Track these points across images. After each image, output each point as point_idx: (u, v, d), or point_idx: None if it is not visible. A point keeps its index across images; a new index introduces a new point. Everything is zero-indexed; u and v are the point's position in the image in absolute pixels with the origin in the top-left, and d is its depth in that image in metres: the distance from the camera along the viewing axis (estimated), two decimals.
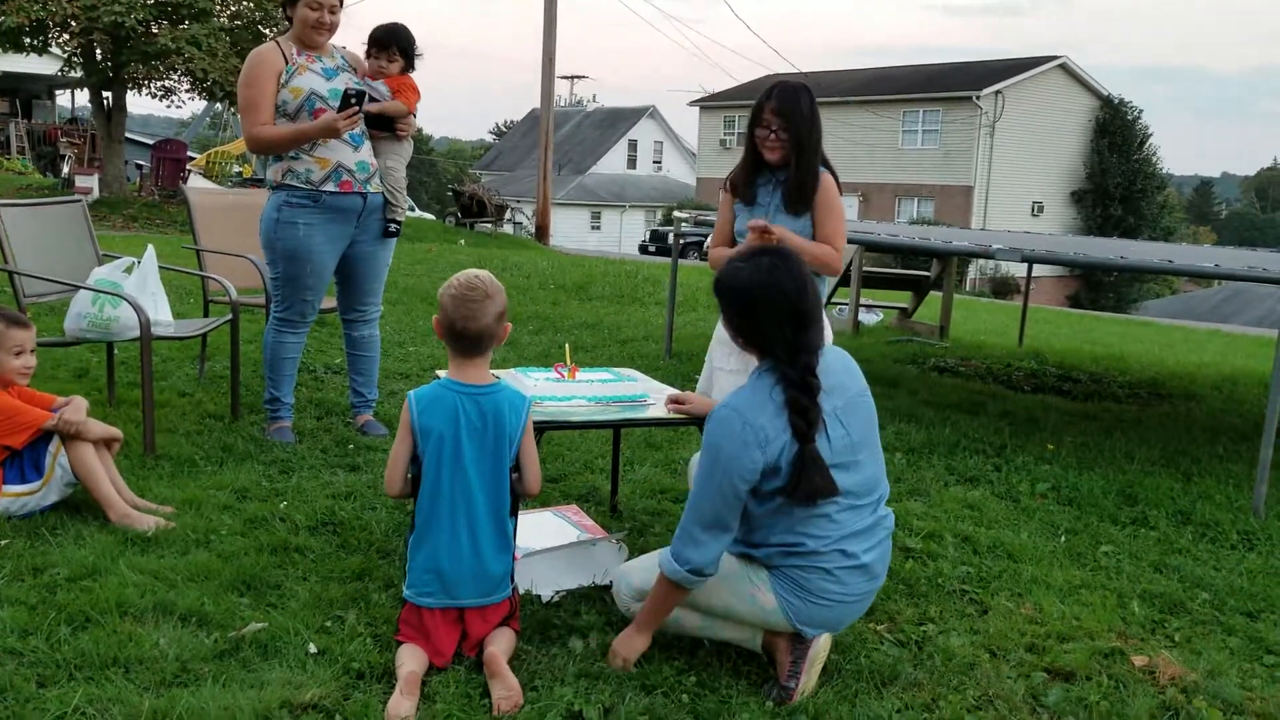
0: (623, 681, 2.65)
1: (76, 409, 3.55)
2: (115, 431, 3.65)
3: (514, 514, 2.87)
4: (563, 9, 21.85)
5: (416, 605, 2.74)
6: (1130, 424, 6.40)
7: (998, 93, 35.22)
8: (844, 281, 10.11)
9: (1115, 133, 37.77)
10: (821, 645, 2.68)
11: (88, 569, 3.07)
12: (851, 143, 36.97)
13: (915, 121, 37.07)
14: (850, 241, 4.83)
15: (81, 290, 4.37)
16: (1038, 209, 37.07)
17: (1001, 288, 30.84)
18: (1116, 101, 38.29)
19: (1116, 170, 37.26)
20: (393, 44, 4.59)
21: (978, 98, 34.90)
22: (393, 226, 4.66)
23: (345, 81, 4.42)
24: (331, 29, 4.42)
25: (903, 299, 11.19)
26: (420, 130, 5.17)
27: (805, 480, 2.56)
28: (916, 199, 36.80)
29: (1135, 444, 5.72)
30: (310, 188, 4.37)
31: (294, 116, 4.35)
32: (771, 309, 2.64)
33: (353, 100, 4.26)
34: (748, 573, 2.71)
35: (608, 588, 3.12)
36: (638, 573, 2.84)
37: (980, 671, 2.87)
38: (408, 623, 2.75)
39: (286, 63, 4.36)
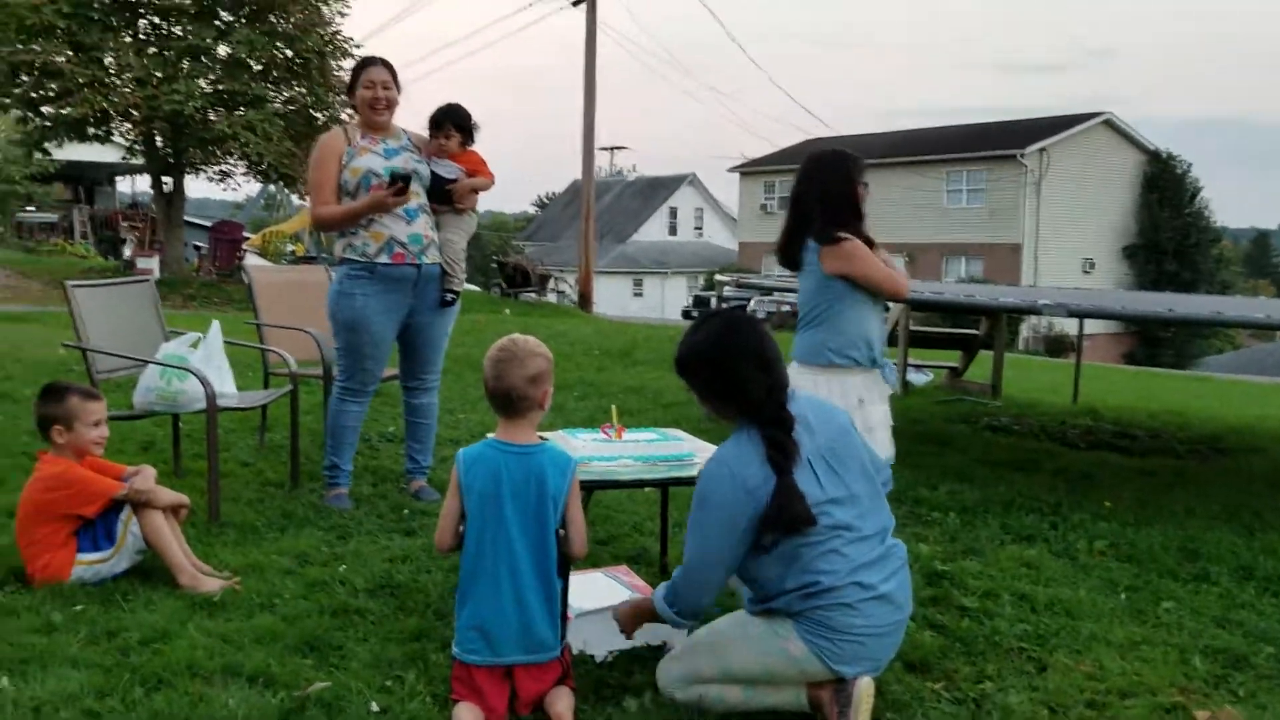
0: None
1: (146, 478, 3.67)
2: (183, 499, 3.76)
3: (564, 574, 2.92)
4: (601, 82, 22.28)
5: (465, 663, 2.80)
6: (1190, 479, 6.32)
7: (1042, 150, 35.19)
8: (891, 341, 10.11)
9: (1165, 187, 37.51)
10: (864, 688, 2.68)
11: (159, 632, 3.16)
12: (895, 203, 37.06)
13: (960, 180, 37.11)
14: (896, 301, 4.93)
15: (150, 365, 4.52)
16: (1089, 266, 36.80)
17: (1055, 346, 30.55)
18: (1164, 155, 38.08)
19: (1168, 225, 36.94)
20: (447, 122, 4.79)
21: (1022, 155, 34.90)
22: (449, 296, 4.79)
23: (405, 160, 4.63)
24: (389, 105, 4.65)
25: (952, 358, 11.15)
26: None
27: (785, 508, 2.64)
28: (964, 258, 36.69)
29: (1196, 499, 5.65)
30: (366, 260, 4.58)
31: (354, 194, 4.58)
32: (741, 360, 2.80)
33: (399, 181, 4.46)
34: (773, 628, 2.75)
35: (660, 648, 3.15)
36: (674, 661, 2.92)
37: None
38: (460, 680, 2.80)
39: (349, 145, 4.60)
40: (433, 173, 4.74)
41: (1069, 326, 28.62)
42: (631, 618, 3.09)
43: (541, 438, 3.01)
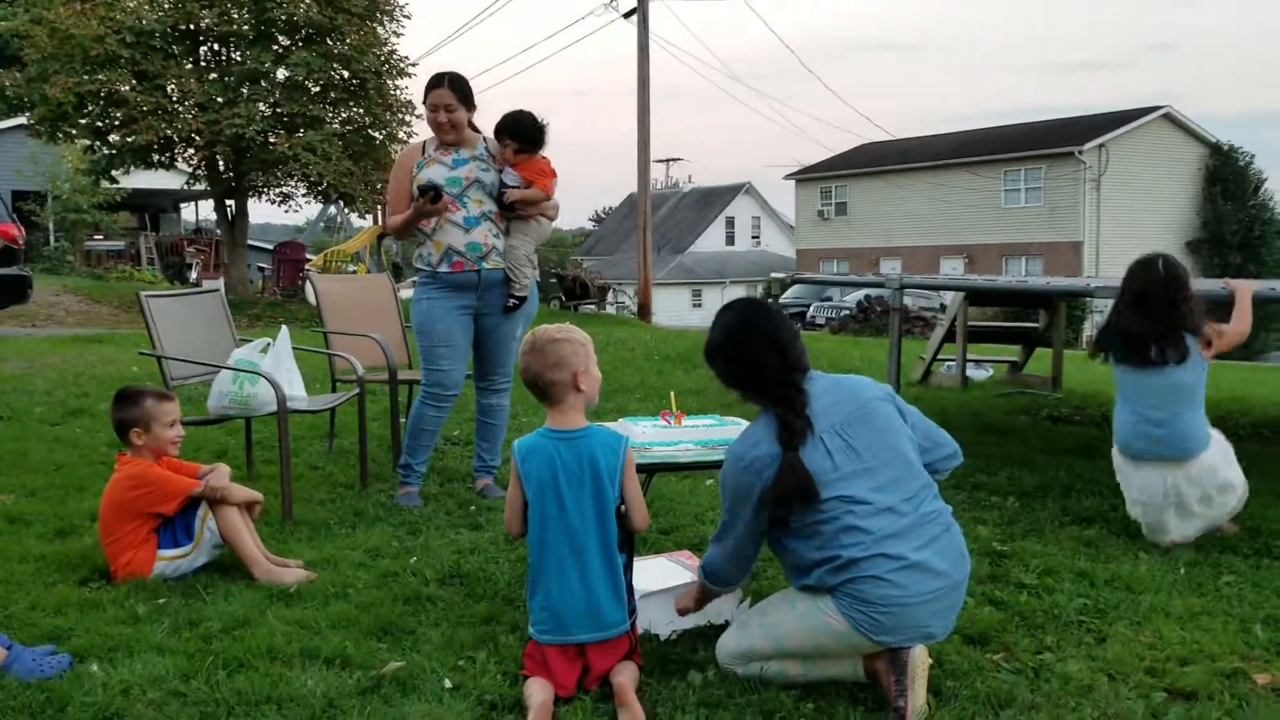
0: (742, 709, 2.75)
1: (220, 475, 3.83)
2: (256, 495, 3.91)
3: (625, 549, 3.01)
4: (654, 94, 22.42)
5: (538, 642, 2.90)
6: (1252, 461, 6.19)
7: (1101, 146, 34.70)
8: (949, 337, 10.08)
9: (1228, 180, 36.79)
10: (918, 658, 2.73)
11: (238, 620, 3.30)
12: (953, 205, 36.73)
13: (1017, 180, 36.68)
14: (942, 288, 5.08)
15: (223, 370, 4.70)
16: None
17: None
18: (1226, 148, 37.38)
19: (1232, 218, 36.23)
20: (502, 133, 4.89)
21: (1080, 152, 34.43)
22: (511, 301, 4.93)
23: (470, 170, 4.80)
24: (453, 125, 4.79)
25: (1012, 353, 11.08)
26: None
27: (784, 480, 2.76)
28: (1025, 258, 36.25)
29: (1258, 480, 5.55)
30: (431, 269, 4.81)
31: None
32: (757, 342, 2.93)
33: (429, 191, 4.64)
34: (817, 604, 2.82)
35: (723, 626, 3.23)
36: (730, 639, 3.00)
37: (1099, 693, 2.88)
38: (531, 657, 2.91)
39: (422, 156, 4.84)
40: (502, 181, 4.87)
41: None
42: (693, 600, 3.23)
43: (584, 422, 3.10)
